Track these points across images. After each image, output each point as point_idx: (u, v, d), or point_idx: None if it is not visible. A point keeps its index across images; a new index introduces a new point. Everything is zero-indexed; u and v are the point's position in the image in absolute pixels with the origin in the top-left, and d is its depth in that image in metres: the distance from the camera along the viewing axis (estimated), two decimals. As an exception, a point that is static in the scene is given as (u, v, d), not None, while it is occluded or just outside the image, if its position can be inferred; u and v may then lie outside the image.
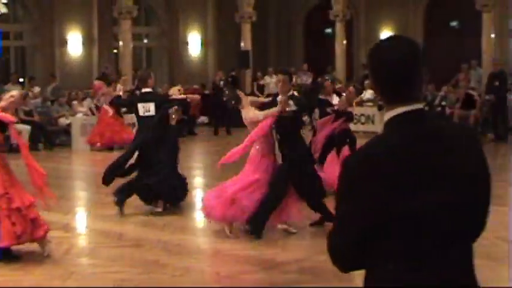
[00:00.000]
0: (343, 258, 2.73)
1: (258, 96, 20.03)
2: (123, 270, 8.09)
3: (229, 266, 8.53)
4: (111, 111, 19.84)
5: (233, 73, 26.06)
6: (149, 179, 10.99)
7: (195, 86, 27.93)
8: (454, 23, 27.04)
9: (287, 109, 9.37)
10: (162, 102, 11.45)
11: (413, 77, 2.65)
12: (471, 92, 22.14)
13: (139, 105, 11.31)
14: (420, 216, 2.55)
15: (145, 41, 31.11)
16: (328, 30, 29.07)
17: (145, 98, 11.46)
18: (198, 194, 12.81)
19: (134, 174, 11.45)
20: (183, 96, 11.87)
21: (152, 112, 11.19)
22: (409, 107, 2.64)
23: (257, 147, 9.64)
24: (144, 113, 11.26)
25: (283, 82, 9.70)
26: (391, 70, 2.64)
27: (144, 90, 11.70)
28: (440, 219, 2.57)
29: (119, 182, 11.31)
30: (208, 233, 10.17)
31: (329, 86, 12.64)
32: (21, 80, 25.09)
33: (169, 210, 11.30)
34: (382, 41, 2.76)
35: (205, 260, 8.97)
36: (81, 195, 13.99)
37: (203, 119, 27.43)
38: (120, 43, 26.67)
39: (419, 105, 2.66)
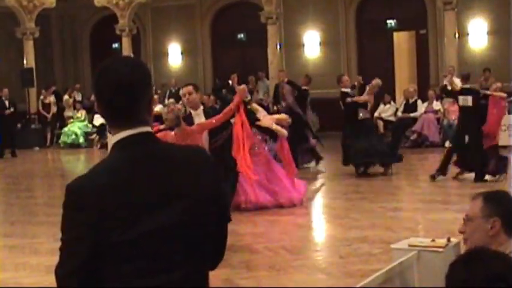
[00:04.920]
0: None
1: None
2: None
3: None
4: None
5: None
6: None
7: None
8: (240, 35, 27.44)
9: None
10: None
11: (137, 100, 2.58)
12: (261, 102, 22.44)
13: None
14: (142, 240, 2.46)
15: None
16: (116, 45, 28.57)
17: None
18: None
19: None
20: None
21: None
22: (133, 131, 2.57)
23: None
24: None
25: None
26: (112, 95, 2.55)
27: None
28: (162, 242, 2.49)
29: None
30: None
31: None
32: None
33: None
34: (105, 63, 2.62)
35: None
36: None
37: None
38: None
39: (146, 128, 2.60)
